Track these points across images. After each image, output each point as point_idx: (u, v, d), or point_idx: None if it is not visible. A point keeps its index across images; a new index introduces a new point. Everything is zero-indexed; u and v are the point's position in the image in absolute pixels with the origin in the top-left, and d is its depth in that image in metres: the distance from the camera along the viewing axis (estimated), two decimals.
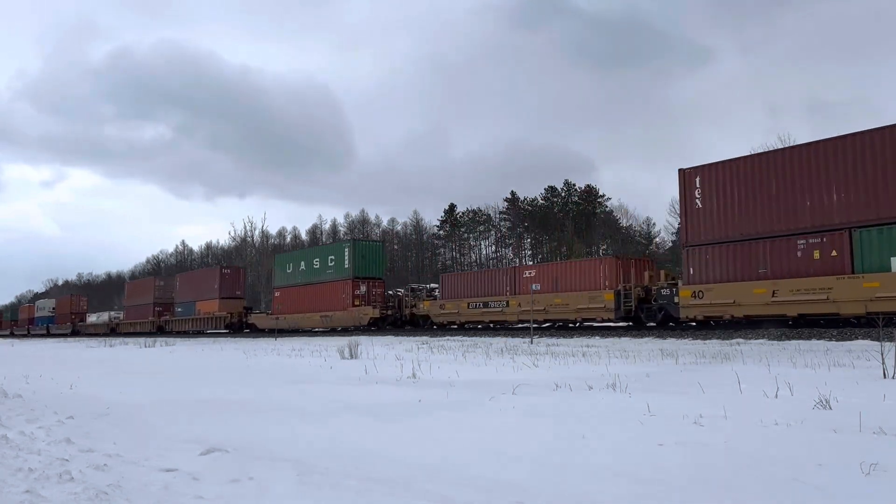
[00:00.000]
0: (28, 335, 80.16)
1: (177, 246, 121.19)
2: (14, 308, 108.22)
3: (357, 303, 34.53)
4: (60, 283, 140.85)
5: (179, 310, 50.99)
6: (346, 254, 36.13)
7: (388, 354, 15.27)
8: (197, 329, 47.67)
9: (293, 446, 5.06)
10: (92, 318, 68.59)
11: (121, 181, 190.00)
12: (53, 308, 78.79)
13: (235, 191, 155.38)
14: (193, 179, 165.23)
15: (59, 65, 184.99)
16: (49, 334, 73.87)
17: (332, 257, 37.42)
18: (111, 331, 60.79)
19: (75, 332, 67.46)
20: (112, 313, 66.32)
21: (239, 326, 44.48)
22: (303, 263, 40.04)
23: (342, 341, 17.66)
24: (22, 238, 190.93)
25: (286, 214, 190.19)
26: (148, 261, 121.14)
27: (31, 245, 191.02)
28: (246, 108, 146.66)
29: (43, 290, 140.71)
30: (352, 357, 14.23)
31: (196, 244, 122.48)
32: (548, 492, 3.68)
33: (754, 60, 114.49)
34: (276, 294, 41.99)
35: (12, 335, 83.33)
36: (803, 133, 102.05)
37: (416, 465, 4.33)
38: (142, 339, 36.47)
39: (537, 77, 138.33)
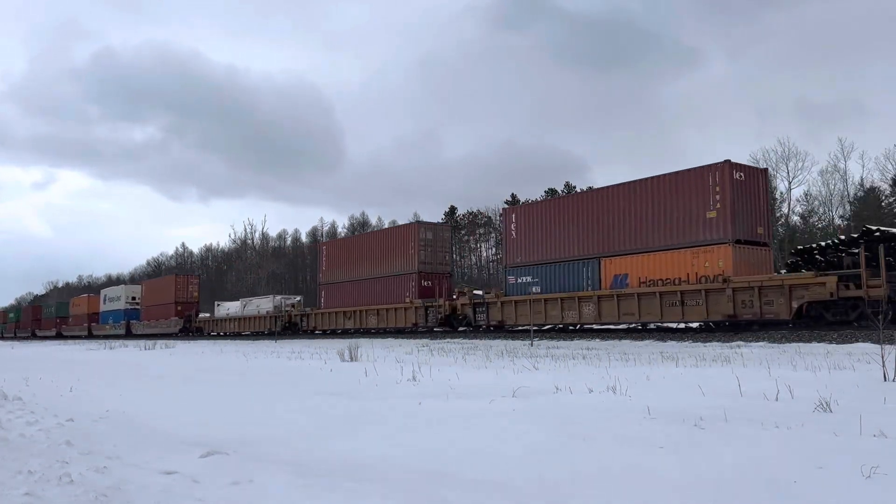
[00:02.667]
0: (89, 337, 57.95)
1: (177, 248, 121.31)
2: (16, 309, 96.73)
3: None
4: (61, 284, 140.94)
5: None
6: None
7: (388, 357, 15.27)
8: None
9: (293, 448, 5.06)
10: (223, 311, 46.03)
11: (113, 183, 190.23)
12: (134, 298, 55.34)
13: (229, 192, 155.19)
14: (186, 181, 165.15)
15: (45, 66, 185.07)
16: (130, 335, 52.13)
17: None
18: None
19: (188, 331, 46.62)
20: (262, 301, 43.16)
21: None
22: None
23: (341, 344, 17.67)
24: (14, 240, 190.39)
25: (280, 216, 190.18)
26: (148, 263, 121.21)
27: (23, 247, 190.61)
28: (234, 108, 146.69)
29: (43, 291, 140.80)
30: (352, 359, 14.22)
31: (194, 246, 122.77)
32: (547, 494, 3.67)
33: (742, 62, 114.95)
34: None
35: (59, 336, 65.18)
36: (794, 134, 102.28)
37: (415, 468, 4.32)
38: (141, 342, 36.46)
39: (524, 78, 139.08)
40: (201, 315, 48.43)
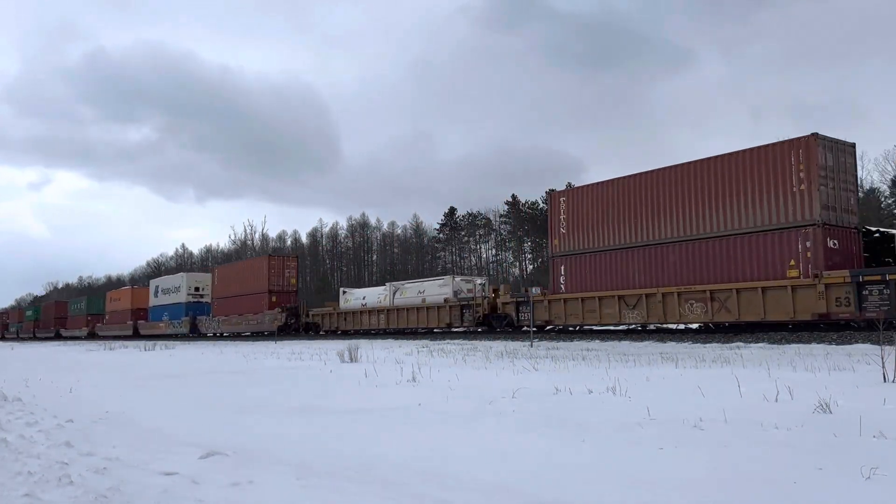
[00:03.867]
0: (136, 337, 47.90)
1: (177, 249, 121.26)
2: (35, 306, 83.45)
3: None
4: (60, 285, 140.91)
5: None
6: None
7: (388, 358, 15.26)
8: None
9: (293, 449, 5.06)
10: (355, 301, 34.21)
11: (109, 183, 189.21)
12: (199, 289, 44.98)
13: (225, 193, 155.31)
14: (183, 182, 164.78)
15: (38, 66, 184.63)
16: (196, 334, 43.22)
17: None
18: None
19: (291, 329, 36.04)
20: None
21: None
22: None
23: (341, 345, 17.64)
24: (11, 241, 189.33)
25: (279, 217, 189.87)
26: (148, 264, 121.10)
27: (21, 247, 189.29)
28: (229, 108, 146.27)
29: (42, 292, 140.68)
30: (352, 360, 14.21)
31: (192, 247, 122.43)
32: (546, 496, 3.67)
33: (735, 63, 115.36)
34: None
35: (93, 337, 55.59)
36: (789, 134, 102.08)
37: (415, 469, 4.33)
38: (142, 343, 36.36)
39: (518, 79, 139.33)
40: (315, 309, 37.31)
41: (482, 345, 20.36)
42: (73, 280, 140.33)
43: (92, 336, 56.92)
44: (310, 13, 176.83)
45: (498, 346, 19.41)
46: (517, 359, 13.86)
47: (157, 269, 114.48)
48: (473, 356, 15.20)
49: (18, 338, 73.93)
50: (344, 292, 36.54)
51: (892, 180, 53.68)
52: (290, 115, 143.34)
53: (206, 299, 44.65)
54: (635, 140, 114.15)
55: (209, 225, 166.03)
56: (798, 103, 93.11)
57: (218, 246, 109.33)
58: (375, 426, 5.95)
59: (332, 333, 34.20)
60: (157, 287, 50.22)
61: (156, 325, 48.41)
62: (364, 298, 34.25)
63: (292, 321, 36.97)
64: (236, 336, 41.28)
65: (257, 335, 39.14)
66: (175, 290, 46.84)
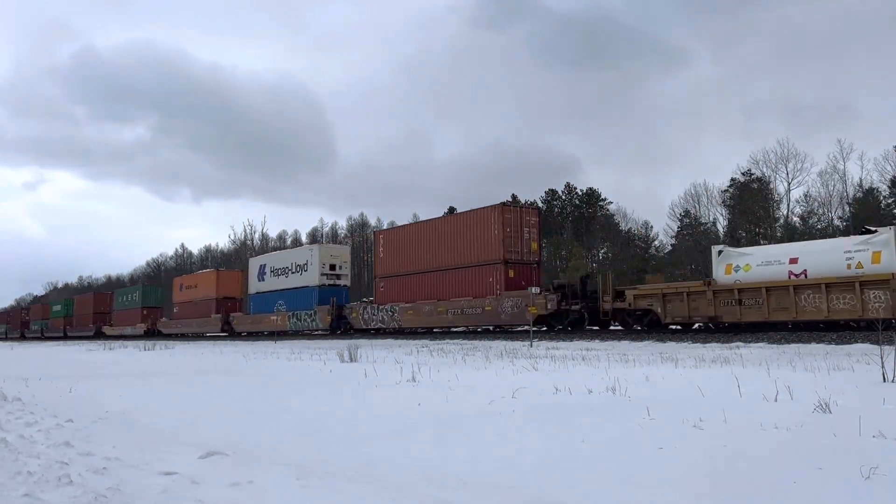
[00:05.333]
0: (232, 337, 37.92)
1: (176, 249, 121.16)
2: (65, 299, 67.44)
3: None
4: (60, 285, 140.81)
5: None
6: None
7: (388, 357, 15.26)
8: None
9: (293, 449, 5.05)
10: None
11: (104, 183, 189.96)
12: (334, 267, 34.14)
13: (221, 193, 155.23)
14: (178, 181, 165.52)
15: (30, 66, 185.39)
16: (343, 332, 31.66)
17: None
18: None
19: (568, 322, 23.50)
20: None
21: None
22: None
23: (341, 344, 17.64)
24: (7, 241, 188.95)
25: (278, 217, 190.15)
26: (148, 264, 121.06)
27: (17, 248, 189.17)
28: (222, 107, 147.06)
29: (42, 292, 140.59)
30: (351, 360, 14.22)
31: (190, 247, 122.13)
32: (546, 495, 3.67)
33: (727, 61, 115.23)
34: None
35: (152, 335, 44.04)
36: (782, 134, 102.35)
37: (415, 469, 4.32)
38: (141, 343, 36.28)
39: (511, 78, 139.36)
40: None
41: (482, 344, 20.36)
42: (72, 280, 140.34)
43: (151, 335, 44.95)
44: (300, 12, 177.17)
45: (498, 345, 19.42)
46: (517, 358, 13.86)
47: (157, 269, 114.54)
48: (473, 356, 15.20)
49: (43, 337, 62.40)
50: None
51: (891, 180, 53.70)
52: (284, 114, 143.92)
53: (344, 281, 35.00)
54: (630, 138, 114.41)
55: (207, 225, 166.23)
56: (791, 102, 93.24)
57: (217, 246, 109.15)
58: (375, 426, 5.95)
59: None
60: (265, 267, 37.62)
61: (265, 317, 36.89)
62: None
63: (567, 306, 23.89)
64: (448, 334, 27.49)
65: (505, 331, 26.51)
66: (300, 269, 34.85)
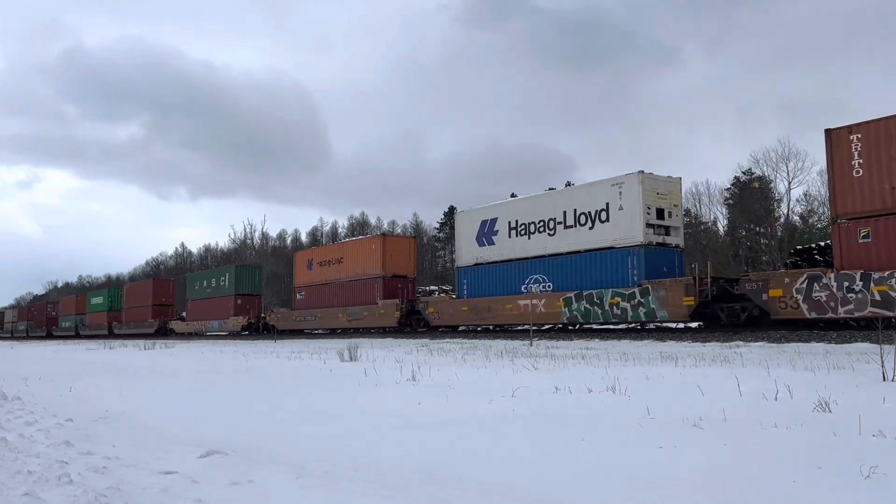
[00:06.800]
0: (462, 333, 23.89)
1: (176, 248, 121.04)
2: (111, 290, 53.72)
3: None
4: (60, 284, 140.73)
5: None
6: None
7: (388, 357, 15.27)
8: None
9: (292, 449, 5.06)
10: None
11: (99, 182, 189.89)
12: (661, 212, 19.90)
13: (218, 192, 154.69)
14: (174, 180, 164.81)
15: (21, 64, 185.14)
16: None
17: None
18: None
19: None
20: None
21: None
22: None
23: (341, 343, 17.65)
24: (3, 240, 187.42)
25: (278, 217, 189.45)
26: (147, 263, 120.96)
27: (13, 247, 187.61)
28: (215, 105, 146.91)
29: (42, 291, 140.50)
30: (351, 360, 14.22)
31: (189, 246, 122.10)
32: (546, 494, 3.67)
33: (720, 60, 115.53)
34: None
35: (257, 329, 34.40)
36: (778, 132, 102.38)
37: (414, 468, 4.33)
38: (141, 342, 36.23)
39: (502, 77, 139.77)
40: None
41: (482, 344, 20.35)
42: (72, 279, 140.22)
43: (255, 331, 33.51)
44: (293, 11, 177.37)
45: (497, 345, 19.41)
46: (517, 358, 13.85)
47: (157, 267, 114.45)
48: (473, 355, 15.20)
49: (78, 336, 50.91)
50: None
51: None
52: (278, 113, 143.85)
53: (675, 239, 21.06)
54: (625, 137, 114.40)
55: (206, 224, 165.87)
56: (784, 101, 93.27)
57: (217, 245, 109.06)
58: (375, 426, 5.95)
59: None
60: (490, 222, 24.84)
61: (494, 303, 24.06)
62: None
63: None
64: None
65: None
66: (586, 217, 21.64)
